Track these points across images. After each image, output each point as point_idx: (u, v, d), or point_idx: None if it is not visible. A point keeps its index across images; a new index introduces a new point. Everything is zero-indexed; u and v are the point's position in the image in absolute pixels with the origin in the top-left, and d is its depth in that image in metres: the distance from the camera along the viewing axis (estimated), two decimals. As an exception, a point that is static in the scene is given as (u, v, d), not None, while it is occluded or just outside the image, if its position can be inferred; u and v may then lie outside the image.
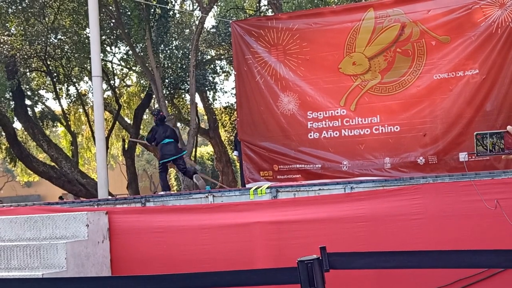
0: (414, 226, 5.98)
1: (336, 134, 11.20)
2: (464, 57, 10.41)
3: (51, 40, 20.96)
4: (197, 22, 20.34)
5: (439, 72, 10.57)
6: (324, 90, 11.24)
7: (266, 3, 21.89)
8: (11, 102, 21.94)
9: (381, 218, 6.14)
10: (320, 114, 11.25)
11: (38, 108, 25.34)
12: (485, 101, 10.35)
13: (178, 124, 23.04)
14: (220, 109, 25.86)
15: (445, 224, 5.79)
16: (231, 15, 21.66)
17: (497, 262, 1.79)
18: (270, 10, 21.26)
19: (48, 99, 65.11)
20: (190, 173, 11.47)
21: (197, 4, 21.63)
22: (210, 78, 23.56)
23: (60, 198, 25.24)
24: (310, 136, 11.38)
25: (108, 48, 22.93)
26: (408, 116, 10.75)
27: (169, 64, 21.40)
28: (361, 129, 11.04)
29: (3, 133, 22.14)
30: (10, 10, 19.73)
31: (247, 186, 10.36)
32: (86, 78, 24.23)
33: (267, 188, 7.34)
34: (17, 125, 23.33)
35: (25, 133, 23.56)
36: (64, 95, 23.77)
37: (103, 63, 19.36)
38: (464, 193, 5.72)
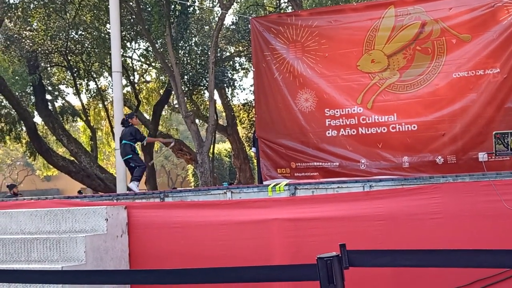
0: (433, 226, 5.95)
1: (354, 132, 11.15)
2: (485, 55, 10.30)
3: (72, 36, 21.15)
4: (216, 19, 20.38)
5: (459, 70, 10.48)
6: (342, 87, 11.20)
7: (286, 0, 21.86)
8: (32, 97, 22.18)
9: (400, 217, 6.12)
10: (337, 111, 11.21)
11: (58, 103, 25.60)
12: (506, 100, 10.24)
13: (197, 121, 23.08)
14: (239, 106, 25.89)
15: (464, 224, 5.75)
16: (251, 12, 21.66)
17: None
18: (290, 7, 21.23)
19: (68, 94, 65.53)
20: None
21: (217, 1, 21.64)
22: (229, 75, 23.59)
23: (79, 192, 25.46)
24: (328, 133, 11.34)
25: (128, 44, 23.06)
26: (426, 115, 10.68)
27: (189, 61, 21.47)
28: (378, 128, 10.98)
29: (24, 128, 22.38)
30: (32, 5, 19.91)
31: (265, 183, 10.36)
32: (106, 74, 24.40)
33: (286, 185, 7.35)
34: (38, 119, 23.58)
35: (45, 127, 23.80)
36: (84, 90, 23.96)
37: (123, 58, 19.46)
38: (483, 193, 5.67)
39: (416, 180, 6.83)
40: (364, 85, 11.09)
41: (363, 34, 11.06)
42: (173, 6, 18.02)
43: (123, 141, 10.95)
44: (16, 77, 20.02)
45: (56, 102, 25.26)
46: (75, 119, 26.99)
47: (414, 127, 10.72)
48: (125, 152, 10.88)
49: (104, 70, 24.03)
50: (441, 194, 5.98)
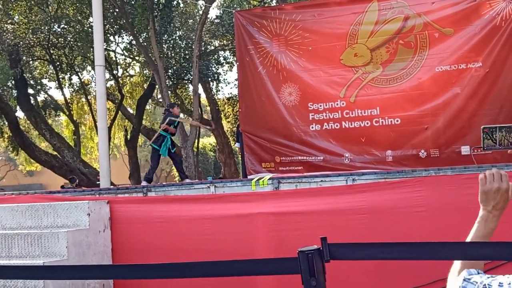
0: (416, 219, 5.98)
1: (337, 126, 11.18)
2: (467, 49, 10.37)
3: (54, 29, 20.96)
4: (201, 12, 20.31)
5: (442, 64, 10.53)
6: (325, 81, 11.22)
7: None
8: (14, 91, 21.96)
9: (383, 210, 6.14)
10: (320, 105, 11.23)
11: (41, 97, 25.41)
12: (488, 94, 10.32)
13: (181, 115, 23.01)
14: (223, 100, 25.86)
15: (447, 217, 5.78)
16: (235, 5, 21.61)
17: (499, 254, 1.78)
18: (274, 1, 21.21)
19: (51, 88, 64.82)
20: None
21: (201, -6, 21.57)
22: (214, 69, 23.55)
23: (62, 187, 25.29)
24: (312, 127, 11.36)
25: (111, 38, 22.92)
26: (409, 109, 10.73)
27: (172, 55, 21.39)
28: (361, 122, 11.02)
29: (6, 122, 22.17)
30: (13, -2, 19.71)
31: (249, 177, 10.37)
32: (89, 68, 24.24)
33: (269, 179, 7.35)
34: (20, 114, 23.39)
35: (28, 122, 23.59)
36: (67, 84, 23.80)
37: (106, 52, 19.34)
38: (466, 186, 5.71)
39: (399, 173, 6.87)
40: (347, 79, 11.12)
41: (346, 28, 11.08)
42: (156, 0, 17.93)
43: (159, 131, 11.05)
44: (-3, 71, 19.80)
45: (39, 96, 25.07)
46: (58, 114, 26.81)
47: (397, 121, 10.77)
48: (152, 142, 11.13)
49: (87, 64, 23.86)
50: (424, 188, 6.01)
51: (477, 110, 10.37)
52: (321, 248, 1.99)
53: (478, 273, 1.82)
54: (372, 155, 10.91)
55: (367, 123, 10.94)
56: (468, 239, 2.08)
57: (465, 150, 10.27)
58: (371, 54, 10.98)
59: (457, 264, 1.99)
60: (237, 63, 12.39)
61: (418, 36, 10.67)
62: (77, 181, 19.15)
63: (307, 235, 6.09)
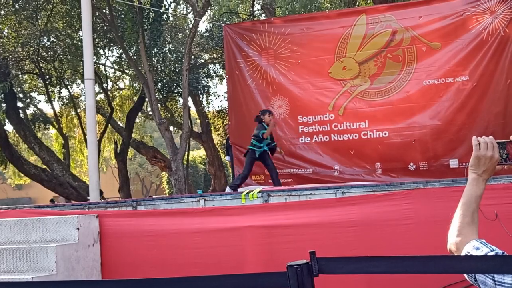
0: (404, 231, 6.00)
1: (326, 138, 11.24)
2: (455, 63, 10.48)
3: (43, 43, 20.92)
4: (190, 26, 20.36)
5: (429, 78, 10.64)
6: (314, 94, 11.30)
7: (259, 7, 21.93)
8: (3, 105, 21.84)
9: (372, 223, 6.16)
10: (310, 118, 11.29)
11: (30, 110, 25.29)
12: (476, 108, 10.42)
13: (171, 128, 23.00)
14: (213, 112, 25.87)
15: (435, 229, 5.81)
16: (225, 19, 21.69)
17: (488, 268, 1.81)
18: (263, 15, 21.31)
19: (40, 101, 64.67)
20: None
21: (190, 8, 21.63)
22: (203, 82, 23.57)
23: (51, 201, 25.15)
24: (301, 140, 11.41)
25: (101, 51, 22.91)
26: (397, 122, 10.80)
27: (162, 68, 21.40)
28: (349, 134, 11.09)
29: (-5, 136, 22.03)
30: (2, 12, 19.68)
31: (239, 190, 10.37)
32: (78, 81, 24.18)
33: (259, 192, 7.35)
34: (9, 127, 23.24)
35: (17, 135, 23.47)
36: (56, 98, 23.70)
37: (95, 66, 19.35)
38: (454, 199, 5.72)
39: (388, 186, 6.90)
40: (335, 92, 11.20)
41: (335, 42, 11.18)
42: (146, 13, 17.95)
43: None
44: (-14, 85, 19.73)
45: (28, 109, 24.96)
46: (47, 127, 26.68)
47: (385, 134, 10.84)
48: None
49: (76, 77, 23.81)
50: (412, 200, 6.04)
51: (465, 123, 10.46)
52: (309, 263, 2.00)
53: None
54: (361, 168, 10.98)
55: (356, 136, 11.01)
56: (461, 201, 2.27)
57: (453, 163, 10.35)
58: (359, 68, 11.07)
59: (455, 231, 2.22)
60: (227, 76, 12.44)
61: (406, 50, 10.78)
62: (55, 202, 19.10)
63: (297, 248, 6.10)
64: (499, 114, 10.31)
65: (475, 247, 2.05)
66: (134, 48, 19.68)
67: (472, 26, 10.40)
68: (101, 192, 19.67)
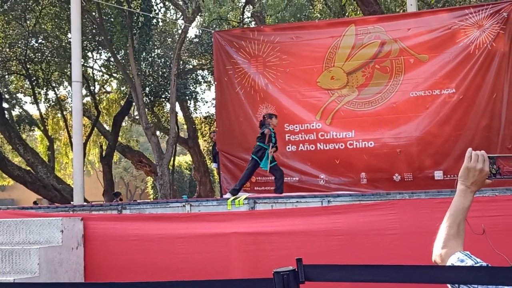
0: (390, 241, 6.03)
1: (312, 147, 11.27)
2: (442, 76, 10.55)
3: (31, 44, 20.83)
4: (180, 31, 20.38)
5: (416, 89, 10.70)
6: (301, 103, 11.33)
7: (250, 15, 21.99)
8: (-12, 105, 21.69)
9: (357, 232, 6.18)
10: (296, 127, 11.31)
11: (16, 111, 25.12)
12: (462, 121, 10.48)
13: (157, 133, 22.95)
14: (200, 118, 25.86)
15: (420, 240, 5.84)
16: (214, 25, 21.72)
17: (471, 278, 1.83)
18: (253, 22, 21.37)
19: (26, 102, 64.34)
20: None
21: (180, 14, 21.65)
22: (191, 88, 23.57)
23: (35, 203, 24.95)
24: (288, 148, 11.43)
25: (89, 54, 22.84)
26: (383, 132, 10.85)
27: (151, 72, 21.38)
28: (336, 144, 11.12)
29: (-21, 136, 21.88)
30: (-10, 12, 19.58)
31: (225, 196, 10.37)
32: (65, 83, 24.08)
33: (245, 199, 7.36)
34: (-7, 128, 23.03)
35: (1, 136, 23.29)
36: (43, 100, 23.58)
37: (83, 68, 19.27)
38: (439, 210, 5.76)
39: (373, 196, 6.92)
40: (323, 102, 11.23)
41: (323, 51, 11.22)
42: (135, 18, 17.95)
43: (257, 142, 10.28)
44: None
45: (13, 110, 24.80)
46: (32, 129, 26.52)
47: (371, 144, 10.88)
48: (253, 152, 10.30)
49: (64, 80, 23.71)
50: (398, 210, 6.07)
51: (450, 136, 10.52)
52: (296, 270, 2.01)
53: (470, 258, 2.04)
54: (347, 177, 11.00)
55: (342, 146, 11.04)
56: (448, 212, 2.27)
57: (438, 175, 10.41)
58: (347, 78, 11.13)
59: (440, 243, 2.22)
60: (215, 83, 12.44)
61: (394, 61, 10.85)
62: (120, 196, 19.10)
63: (282, 256, 6.11)
64: (484, 127, 10.39)
65: (460, 259, 2.08)
66: (123, 52, 19.66)
67: (460, 39, 10.48)
68: (117, 194, 19.69)
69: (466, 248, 2.22)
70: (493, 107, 10.37)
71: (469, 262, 2.04)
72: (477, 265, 2.01)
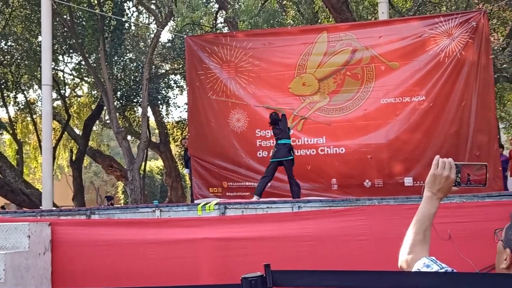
0: (359, 247, 6.07)
1: None
2: (412, 83, 10.67)
3: (0, 46, 20.51)
4: (152, 36, 20.27)
5: (387, 96, 10.80)
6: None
7: (223, 20, 21.98)
8: (-44, 108, 21.32)
9: (327, 238, 6.21)
10: (268, 132, 11.32)
11: (-16, 114, 24.66)
12: (432, 128, 10.60)
13: (129, 137, 22.76)
14: (172, 123, 25.71)
15: (389, 246, 5.88)
16: (187, 30, 21.66)
17: (436, 284, 1.84)
18: (226, 28, 21.37)
19: (-5, 106, 63.22)
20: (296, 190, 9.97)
21: (153, 18, 21.55)
22: (164, 92, 23.44)
23: (2, 207, 24.53)
24: (259, 154, 11.43)
25: (60, 57, 22.57)
26: (354, 138, 10.92)
27: (122, 76, 21.21)
28: (307, 150, 11.16)
29: None
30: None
31: (196, 202, 10.33)
32: (35, 86, 23.74)
33: (216, 204, 7.33)
34: (-39, 131, 22.64)
35: (-32, 139, 22.90)
36: (12, 103, 23.21)
37: (54, 72, 19.03)
38: (408, 216, 5.81)
39: (343, 202, 6.97)
40: (294, 108, 11.27)
41: (296, 58, 11.26)
42: (107, 21, 17.80)
43: (283, 141, 9.96)
44: None
45: (-19, 113, 24.38)
46: (0, 132, 26.07)
47: (342, 150, 10.94)
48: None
49: (34, 83, 23.38)
50: (367, 216, 6.12)
51: (420, 142, 10.63)
52: (264, 275, 2.00)
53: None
54: (318, 183, 11.04)
55: (313, 152, 11.08)
56: (415, 218, 2.30)
57: (408, 181, 10.51)
58: (319, 84, 11.18)
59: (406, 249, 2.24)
60: (187, 88, 12.40)
61: (365, 68, 10.93)
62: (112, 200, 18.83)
63: (252, 261, 6.10)
64: (453, 135, 10.53)
65: (426, 265, 2.10)
66: (94, 55, 19.47)
67: (430, 47, 10.62)
68: (109, 198, 19.48)
69: (434, 253, 2.24)
70: (462, 115, 10.51)
71: (434, 268, 2.06)
72: (442, 270, 2.03)
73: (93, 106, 24.07)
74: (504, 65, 16.47)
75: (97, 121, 25.15)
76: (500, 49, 17.08)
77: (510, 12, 19.26)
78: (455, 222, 5.40)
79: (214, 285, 2.08)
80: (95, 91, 22.98)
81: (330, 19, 18.02)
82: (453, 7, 17.91)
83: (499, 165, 10.66)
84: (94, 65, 19.51)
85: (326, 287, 2.06)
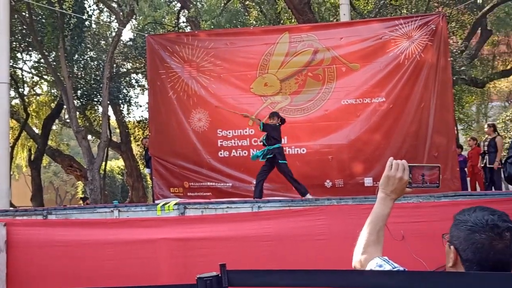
0: (318, 246, 6.10)
1: (245, 153, 11.28)
2: (372, 84, 10.78)
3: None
4: (113, 34, 20.05)
5: (348, 97, 10.89)
6: (234, 109, 11.31)
7: (185, 20, 21.86)
8: None
9: (287, 237, 6.23)
10: (229, 133, 11.31)
11: None
12: (391, 129, 10.74)
13: (89, 137, 22.44)
14: (134, 123, 25.45)
15: (347, 245, 5.93)
16: (150, 29, 21.46)
17: (388, 282, 1.86)
18: (188, 27, 21.27)
19: (-49, 103, 61.59)
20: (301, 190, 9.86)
21: (114, 16, 21.30)
22: (125, 91, 23.18)
23: (-42, 208, 23.93)
24: (220, 154, 11.40)
25: (18, 55, 22.11)
26: (315, 139, 10.98)
27: (83, 75, 20.89)
28: None
29: None
30: None
31: (156, 202, 10.25)
32: (-8, 84, 23.18)
33: (175, 204, 7.28)
34: None
35: None
36: (-33, 101, 22.63)
37: (12, 70, 18.66)
38: (366, 216, 5.87)
39: (303, 202, 7.00)
40: (256, 108, 11.28)
41: (258, 58, 11.27)
42: (67, 19, 17.52)
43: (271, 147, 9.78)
44: None
45: None
46: (-44, 131, 25.42)
47: (303, 150, 10.99)
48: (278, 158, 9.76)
49: (-9, 81, 22.83)
50: (326, 216, 6.16)
51: (380, 143, 10.76)
52: (220, 275, 1.99)
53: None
54: (280, 183, 11.04)
55: (275, 152, 11.08)
56: (369, 219, 2.35)
57: (368, 181, 10.61)
58: (280, 85, 11.21)
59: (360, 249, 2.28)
60: (148, 87, 12.29)
61: (326, 69, 11.01)
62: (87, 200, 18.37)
63: (212, 261, 6.06)
64: (412, 135, 10.68)
65: (378, 265, 2.12)
66: (54, 53, 19.14)
67: (390, 49, 10.75)
68: (84, 199, 19.09)
69: (389, 253, 2.26)
70: (421, 116, 10.67)
71: (387, 267, 2.08)
72: (395, 269, 2.05)
73: (53, 105, 23.66)
74: (463, 68, 16.80)
75: (57, 120, 24.74)
76: (459, 52, 17.42)
77: (468, 16, 19.67)
78: (411, 222, 5.49)
79: (169, 285, 2.06)
80: (55, 90, 22.60)
81: (293, 20, 18.11)
82: (413, 10, 18.19)
83: (456, 165, 10.86)
84: (54, 63, 19.19)
85: (282, 286, 2.07)
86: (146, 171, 14.81)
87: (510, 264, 1.96)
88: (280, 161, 9.79)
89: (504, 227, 1.95)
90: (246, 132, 11.28)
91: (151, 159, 11.99)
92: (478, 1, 19.24)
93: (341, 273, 2.00)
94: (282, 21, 19.19)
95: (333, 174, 10.95)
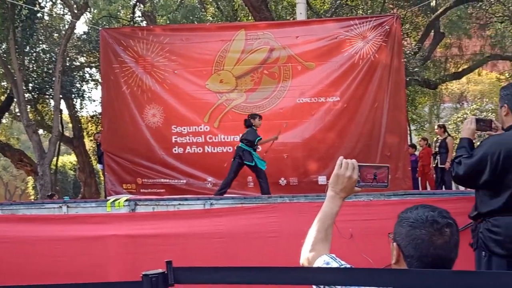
0: (270, 244, 6.10)
1: (200, 150, 11.23)
2: (327, 84, 10.87)
3: None
4: (67, 27, 19.68)
5: (303, 96, 10.96)
6: (189, 105, 11.24)
7: (141, 14, 21.63)
8: None
9: (238, 235, 6.20)
10: (184, 129, 11.23)
11: None
12: (346, 128, 10.85)
13: (40, 131, 22.01)
14: (87, 118, 25.07)
15: (299, 242, 5.95)
16: (104, 23, 21.15)
17: (335, 279, 1.86)
18: (144, 22, 21.05)
19: None
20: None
21: (68, 9, 20.90)
22: (78, 85, 22.79)
23: None
24: (175, 150, 11.31)
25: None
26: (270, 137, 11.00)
27: (34, 68, 20.46)
28: (224, 147, 11.16)
29: None
30: None
31: (107, 198, 10.10)
32: None
33: (125, 201, 7.17)
34: None
35: None
36: None
37: (-41, 61, 18.10)
38: (317, 213, 5.90)
39: (255, 199, 7.00)
40: (211, 104, 11.24)
41: (213, 54, 11.23)
42: (18, 10, 17.11)
43: (240, 145, 9.90)
44: None
45: None
46: None
47: (258, 148, 10.99)
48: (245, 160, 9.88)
49: None
50: (278, 214, 6.15)
51: (334, 142, 10.86)
52: (165, 272, 1.97)
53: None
54: (234, 181, 11.02)
55: (230, 149, 11.07)
56: (317, 217, 2.38)
57: (322, 180, 10.69)
58: (236, 82, 11.20)
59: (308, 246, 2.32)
60: (101, 81, 12.09)
61: (282, 68, 11.04)
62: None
63: (162, 258, 5.97)
64: (366, 135, 10.81)
65: (325, 262, 2.13)
66: (4, 45, 18.67)
67: (345, 49, 10.85)
68: (51, 196, 18.54)
69: (338, 251, 2.26)
70: (374, 116, 10.81)
71: (334, 264, 2.09)
72: (342, 267, 2.06)
73: (2, 98, 23.10)
74: (416, 69, 17.14)
75: (7, 113, 24.17)
76: (412, 53, 17.76)
77: (422, 18, 20.06)
78: (362, 220, 5.53)
79: (114, 282, 2.02)
80: (5, 82, 22.06)
81: (250, 18, 18.12)
82: (368, 11, 18.42)
83: (408, 165, 11.05)
84: (4, 55, 18.73)
85: (229, 283, 2.04)
86: (99, 166, 14.61)
87: (452, 261, 2.00)
88: (245, 162, 9.93)
89: (444, 223, 1.99)
90: (201, 128, 11.22)
91: (104, 154, 11.81)
92: (432, 4, 19.63)
93: (288, 270, 1.99)
94: (239, 18, 19.18)
95: (287, 172, 11.00)
